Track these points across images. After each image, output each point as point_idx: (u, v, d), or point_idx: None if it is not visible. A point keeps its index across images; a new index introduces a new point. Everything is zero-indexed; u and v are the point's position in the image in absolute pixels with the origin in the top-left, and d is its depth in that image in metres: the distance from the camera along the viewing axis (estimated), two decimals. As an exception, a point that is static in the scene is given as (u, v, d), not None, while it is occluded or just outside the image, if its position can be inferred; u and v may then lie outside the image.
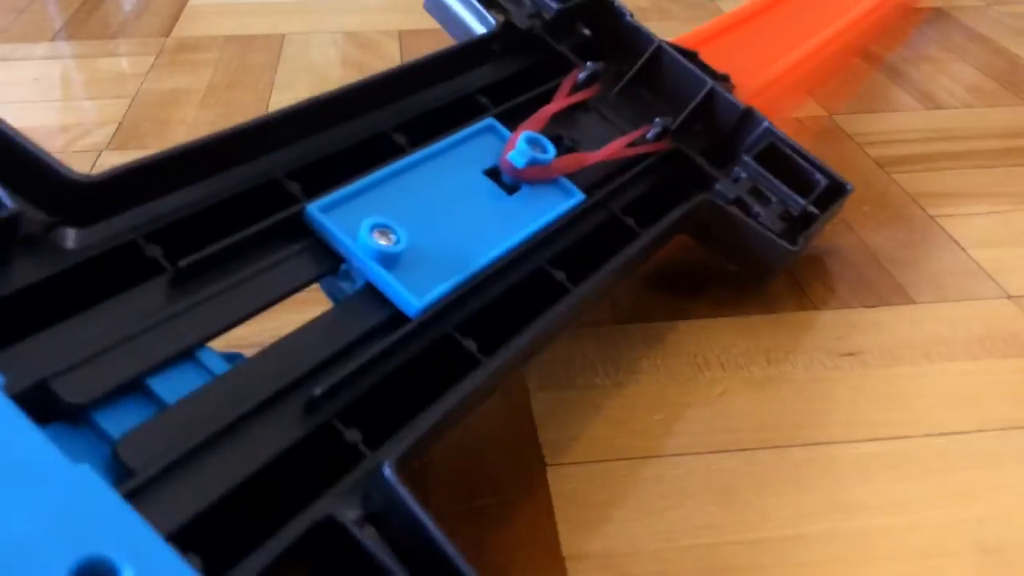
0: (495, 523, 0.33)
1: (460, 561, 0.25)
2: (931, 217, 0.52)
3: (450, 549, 0.25)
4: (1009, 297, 0.45)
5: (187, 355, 0.27)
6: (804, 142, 0.60)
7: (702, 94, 0.47)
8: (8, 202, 0.25)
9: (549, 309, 0.34)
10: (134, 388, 0.26)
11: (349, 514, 0.25)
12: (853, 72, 0.71)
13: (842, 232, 0.50)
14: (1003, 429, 0.37)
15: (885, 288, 0.46)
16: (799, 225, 0.44)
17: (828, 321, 0.43)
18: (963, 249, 0.49)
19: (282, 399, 0.27)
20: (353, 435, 0.28)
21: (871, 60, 0.73)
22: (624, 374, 0.40)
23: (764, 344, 0.42)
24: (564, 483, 0.35)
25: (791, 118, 0.63)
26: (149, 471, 0.24)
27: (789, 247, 0.43)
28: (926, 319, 0.44)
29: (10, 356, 0.25)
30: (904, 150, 0.59)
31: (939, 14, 0.83)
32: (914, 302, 0.45)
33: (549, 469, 0.35)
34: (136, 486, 0.24)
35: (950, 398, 0.39)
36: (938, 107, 0.65)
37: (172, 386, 0.26)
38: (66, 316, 0.26)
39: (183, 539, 0.23)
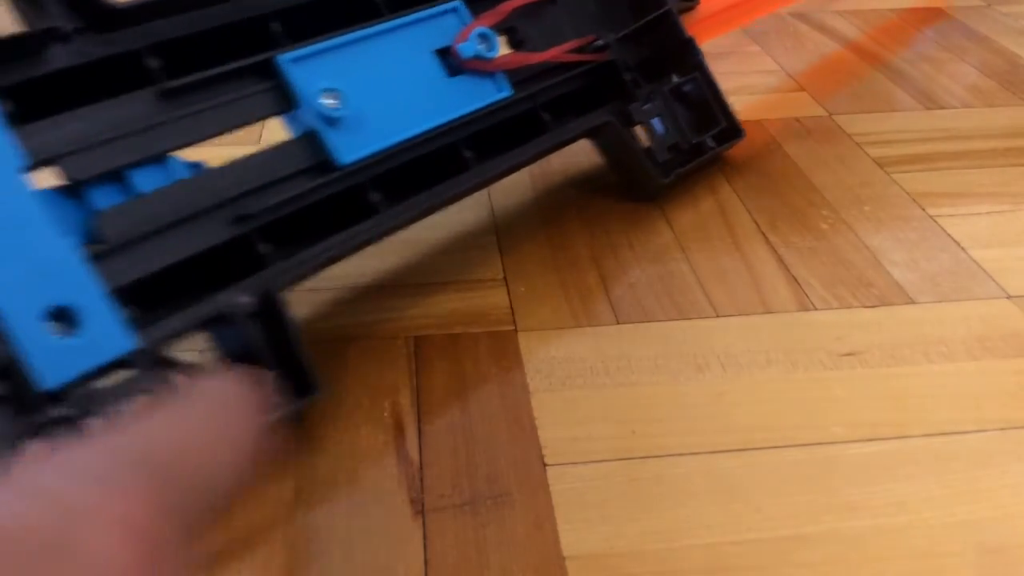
0: (495, 523, 0.33)
1: (310, 365, 0.34)
2: (931, 217, 0.52)
3: (305, 355, 0.34)
4: (1009, 297, 0.45)
5: (161, 158, 0.34)
6: (804, 142, 0.60)
7: (657, 13, 0.51)
8: (57, 11, 0.33)
9: (450, 179, 0.42)
10: (118, 177, 0.33)
11: (244, 306, 0.34)
12: (852, 71, 0.71)
13: (842, 232, 0.50)
14: (1003, 429, 0.37)
15: (885, 288, 0.46)
16: (683, 158, 0.52)
17: (828, 321, 0.43)
18: (963, 249, 0.49)
19: (221, 208, 0.35)
20: (265, 248, 0.35)
21: (871, 60, 0.73)
22: (624, 374, 0.40)
23: (764, 344, 0.42)
24: (564, 483, 0.35)
25: (791, 118, 0.63)
26: (113, 241, 0.32)
27: (660, 179, 0.50)
28: (926, 319, 0.44)
29: (33, 131, 0.31)
30: (904, 150, 0.59)
31: (939, 14, 0.83)
32: (914, 302, 0.45)
33: (549, 469, 0.35)
34: (103, 251, 0.31)
35: (950, 398, 0.39)
36: (938, 107, 0.65)
37: (146, 180, 0.33)
38: (79, 105, 0.33)
39: (127, 295, 0.32)
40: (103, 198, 0.32)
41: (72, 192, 0.32)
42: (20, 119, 0.31)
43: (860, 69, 0.72)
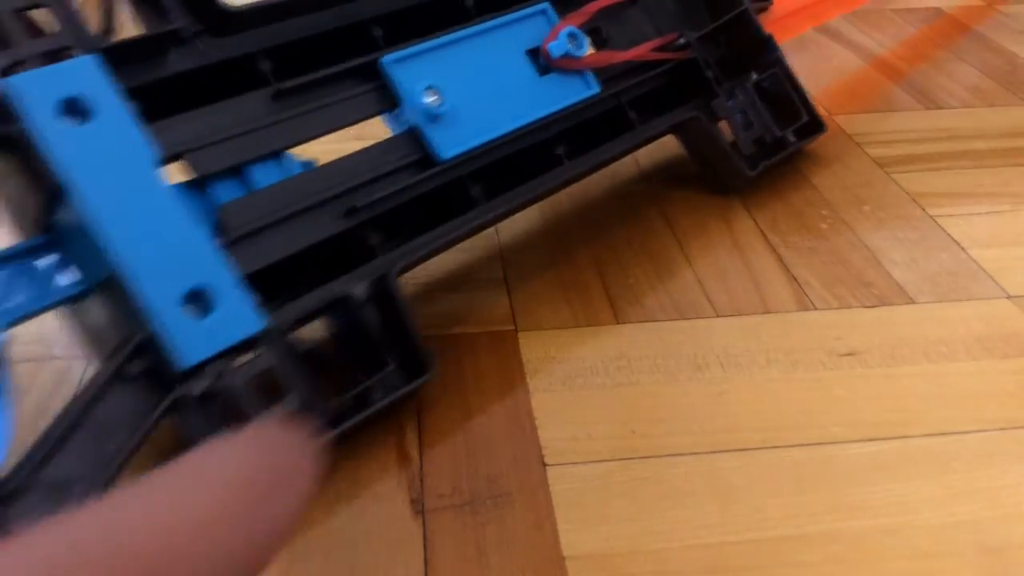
0: (495, 523, 0.33)
1: (423, 349, 0.36)
2: (931, 217, 0.52)
3: (418, 339, 0.36)
4: (1009, 297, 0.45)
5: (276, 155, 0.36)
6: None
7: (733, 13, 0.53)
8: (178, 14, 0.35)
9: (544, 175, 0.43)
10: (238, 172, 0.35)
11: (358, 293, 0.36)
12: (852, 71, 0.71)
13: (842, 232, 0.50)
14: (1003, 429, 0.37)
15: (885, 288, 0.46)
16: (767, 151, 0.53)
17: (828, 321, 0.43)
18: (963, 249, 0.49)
19: (332, 202, 0.37)
20: (374, 239, 0.38)
21: (871, 60, 0.73)
22: (624, 374, 0.40)
23: (764, 344, 0.42)
24: (564, 483, 0.35)
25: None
26: (237, 232, 0.34)
27: (747, 172, 0.51)
28: (926, 319, 0.44)
29: (159, 129, 0.33)
30: (904, 150, 0.59)
31: (939, 14, 0.83)
32: (914, 302, 0.45)
33: (549, 469, 0.35)
34: (228, 241, 0.34)
35: (950, 398, 0.39)
36: (938, 107, 0.65)
37: (262, 176, 0.36)
38: (198, 105, 0.35)
39: (251, 282, 0.33)
40: (225, 192, 0.35)
41: (197, 186, 0.34)
42: (146, 118, 0.32)
43: (860, 69, 0.72)
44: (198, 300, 0.31)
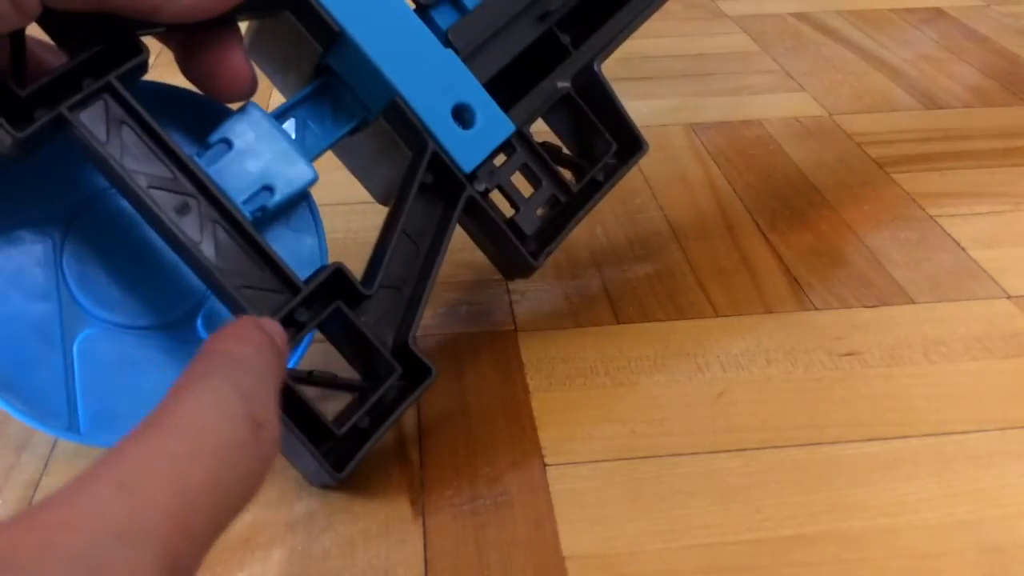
0: (495, 523, 0.33)
1: (634, 127, 0.41)
2: (931, 217, 0.52)
3: (628, 118, 0.41)
4: (1009, 297, 0.45)
5: None
6: (804, 142, 0.60)
7: None
8: None
9: None
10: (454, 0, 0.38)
11: (563, 87, 0.40)
12: (852, 71, 0.71)
13: (842, 232, 0.50)
14: (1003, 429, 0.37)
15: (885, 288, 0.46)
16: None
17: (828, 321, 0.43)
18: (963, 249, 0.49)
19: (526, 12, 0.40)
20: (565, 38, 0.41)
21: (871, 60, 0.74)
22: (624, 374, 0.40)
23: (764, 344, 0.42)
24: (564, 483, 0.35)
25: (791, 118, 0.63)
26: (466, 50, 0.37)
27: None
28: (926, 319, 0.44)
29: None
30: (904, 150, 0.59)
31: (939, 14, 0.83)
32: (914, 302, 0.45)
33: (549, 469, 0.35)
34: (462, 59, 0.37)
35: (950, 398, 0.39)
36: (938, 107, 0.65)
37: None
38: None
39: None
40: (444, 18, 0.38)
41: (422, 15, 0.38)
42: None
43: (860, 69, 0.72)
44: (462, 114, 0.36)
